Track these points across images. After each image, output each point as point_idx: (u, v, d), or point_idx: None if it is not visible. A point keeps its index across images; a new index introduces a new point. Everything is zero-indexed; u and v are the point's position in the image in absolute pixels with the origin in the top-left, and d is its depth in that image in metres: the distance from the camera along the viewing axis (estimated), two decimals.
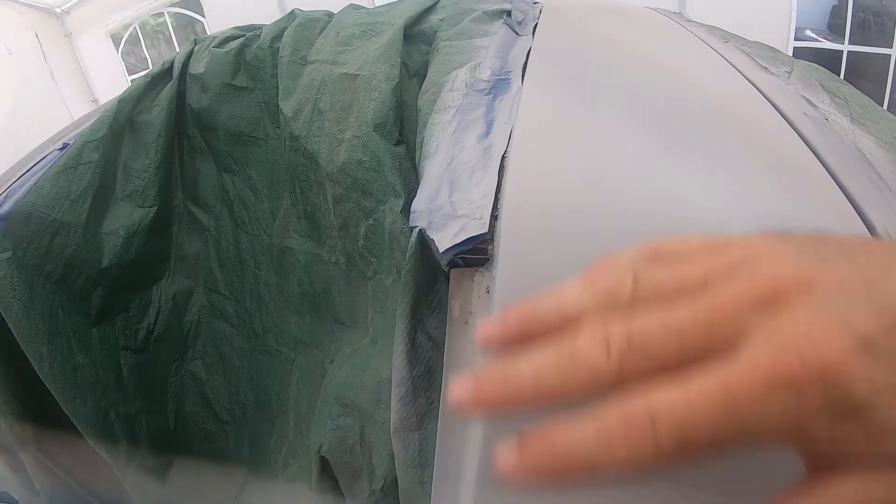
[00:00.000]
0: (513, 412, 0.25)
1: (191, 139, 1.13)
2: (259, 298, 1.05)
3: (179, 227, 1.14)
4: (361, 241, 0.74)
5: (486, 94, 0.59)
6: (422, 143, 0.57)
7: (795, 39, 4.41)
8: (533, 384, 0.24)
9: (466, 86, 0.62)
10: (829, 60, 4.54)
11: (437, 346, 0.44)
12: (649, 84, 0.63)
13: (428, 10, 1.01)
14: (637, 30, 0.91)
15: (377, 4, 1.56)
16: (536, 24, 0.87)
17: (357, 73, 0.82)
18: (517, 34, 0.83)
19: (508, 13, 0.92)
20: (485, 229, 0.40)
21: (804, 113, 0.62)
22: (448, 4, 1.04)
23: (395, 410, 0.46)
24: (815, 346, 0.21)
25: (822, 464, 0.22)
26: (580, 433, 0.23)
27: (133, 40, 6.21)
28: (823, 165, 0.50)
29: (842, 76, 4.54)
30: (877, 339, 0.21)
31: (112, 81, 6.26)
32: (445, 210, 0.42)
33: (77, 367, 0.92)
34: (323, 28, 1.02)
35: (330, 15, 1.10)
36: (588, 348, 0.24)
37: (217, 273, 1.10)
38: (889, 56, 4.57)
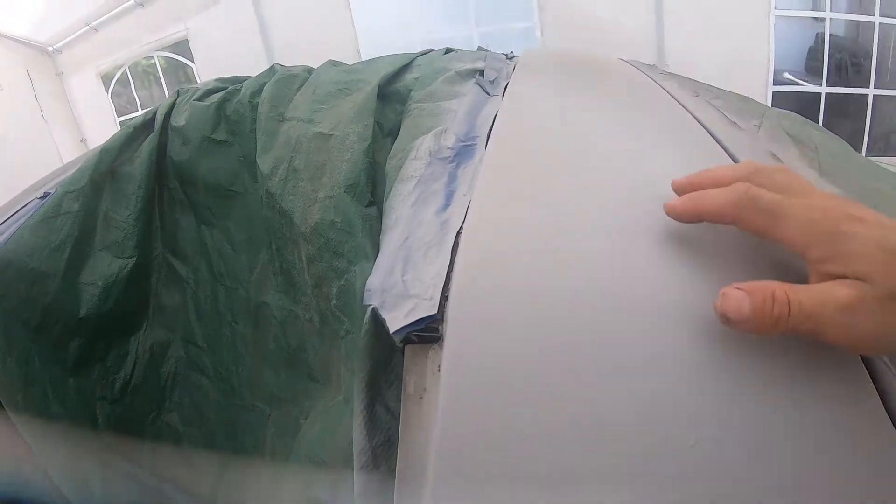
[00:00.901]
0: None
1: (171, 191, 1.14)
2: (236, 352, 1.05)
3: (158, 278, 1.14)
4: (334, 301, 0.74)
5: (450, 163, 0.60)
6: (387, 210, 0.58)
7: (774, 84, 4.52)
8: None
9: (430, 154, 0.63)
10: (807, 102, 4.65)
11: (396, 417, 0.44)
12: (613, 151, 0.64)
13: (404, 69, 1.03)
14: (608, 91, 0.92)
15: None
16: (507, 85, 0.89)
17: (331, 132, 0.83)
18: (488, 94, 0.85)
19: (482, 72, 0.94)
20: (434, 310, 0.40)
21: None
22: (423, 63, 1.05)
23: (357, 479, 0.46)
24: None
25: None
26: None
27: (123, 81, 6.27)
28: None
29: (820, 117, 4.65)
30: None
31: (101, 122, 6.31)
32: (398, 289, 0.43)
33: (53, 416, 0.91)
34: (301, 84, 1.04)
35: (309, 70, 1.12)
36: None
37: (195, 325, 1.10)
38: (867, 95, 4.68)
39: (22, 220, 1.00)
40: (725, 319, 0.35)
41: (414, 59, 1.08)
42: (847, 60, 4.85)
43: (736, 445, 0.34)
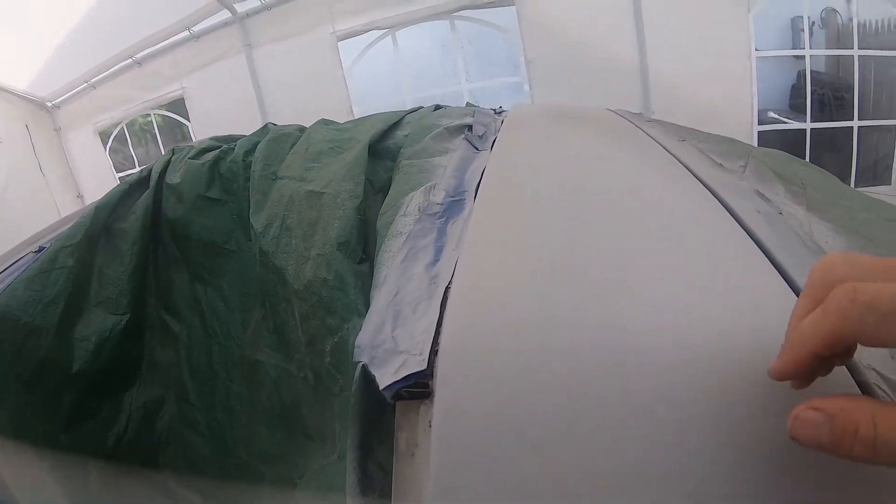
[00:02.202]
0: None
1: (165, 247, 1.15)
2: (230, 410, 1.04)
3: (152, 334, 1.14)
4: (328, 358, 0.74)
5: (439, 218, 0.61)
6: (377, 267, 0.59)
7: (759, 123, 4.59)
8: None
9: (419, 210, 0.64)
10: (793, 139, 4.73)
11: (389, 474, 0.44)
12: (601, 203, 0.64)
13: (394, 126, 1.05)
14: (595, 142, 0.94)
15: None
16: (496, 139, 0.91)
17: (323, 190, 0.85)
18: (477, 149, 0.87)
19: (470, 127, 0.96)
20: (424, 366, 0.40)
21: (756, 210, 0.63)
22: (413, 120, 1.08)
23: None
24: None
25: None
26: None
27: (120, 138, 6.34)
28: (774, 265, 0.51)
29: (807, 153, 4.71)
30: None
31: (98, 177, 6.35)
32: (388, 345, 0.43)
33: (45, 470, 0.90)
34: (294, 143, 1.06)
35: (301, 129, 1.14)
36: None
37: (188, 382, 1.09)
38: (852, 128, 4.77)
39: (16, 274, 1.00)
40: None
41: (404, 117, 1.11)
42: (829, 95, 4.95)
43: None
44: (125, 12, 5.17)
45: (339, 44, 4.99)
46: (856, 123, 4.72)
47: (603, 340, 0.41)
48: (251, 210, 0.96)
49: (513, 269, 0.50)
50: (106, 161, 6.42)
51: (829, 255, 0.34)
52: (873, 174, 4.89)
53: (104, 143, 6.41)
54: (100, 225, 1.10)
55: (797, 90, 4.97)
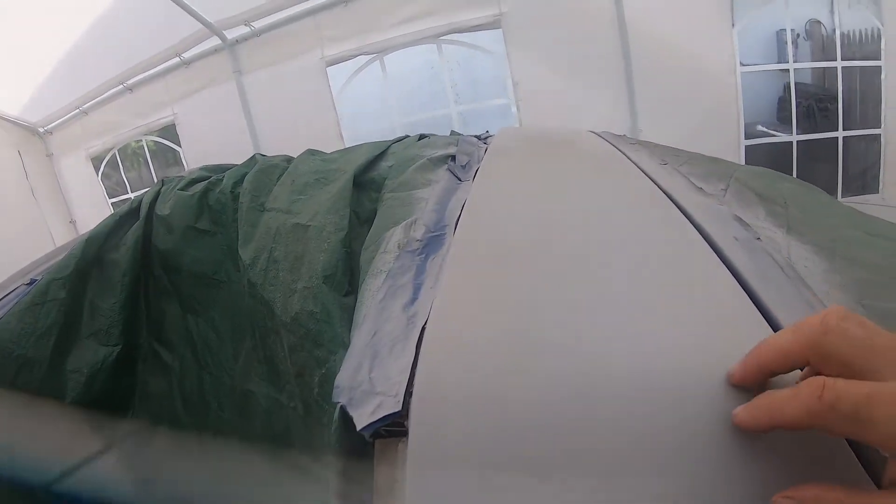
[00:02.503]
0: None
1: (156, 279, 1.16)
2: (222, 440, 1.04)
3: (144, 365, 1.15)
4: (316, 389, 0.75)
5: (419, 255, 0.62)
6: (358, 306, 0.60)
7: (746, 138, 4.64)
8: None
9: (399, 247, 0.65)
10: (781, 152, 4.77)
11: None
12: (578, 236, 0.65)
13: (379, 157, 1.07)
14: (575, 171, 0.95)
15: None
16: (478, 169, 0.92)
17: (309, 223, 0.86)
18: (459, 180, 0.88)
19: (453, 157, 0.98)
20: (398, 407, 0.41)
21: (735, 237, 0.64)
22: (397, 150, 1.09)
23: None
24: None
25: None
26: None
27: (113, 163, 6.36)
28: (750, 294, 0.52)
29: (794, 165, 4.76)
30: None
31: (91, 203, 6.37)
32: (365, 387, 0.44)
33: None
34: (281, 174, 1.07)
35: (288, 160, 1.16)
36: None
37: (181, 413, 1.10)
38: (837, 138, 4.82)
39: (8, 307, 1.01)
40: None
41: (389, 147, 1.12)
42: (815, 106, 5.02)
43: None
44: (117, 39, 5.21)
45: (328, 69, 5.04)
46: (841, 134, 4.78)
47: (576, 383, 0.42)
48: (239, 242, 0.97)
49: (487, 309, 0.51)
50: (98, 186, 6.43)
51: (832, 311, 0.36)
52: (862, 183, 4.94)
53: (96, 168, 6.43)
54: (91, 257, 1.11)
55: (784, 103, 5.03)
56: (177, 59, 5.38)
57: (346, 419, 0.44)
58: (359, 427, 0.42)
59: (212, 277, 1.08)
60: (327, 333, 0.73)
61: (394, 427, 0.43)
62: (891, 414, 0.31)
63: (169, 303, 1.15)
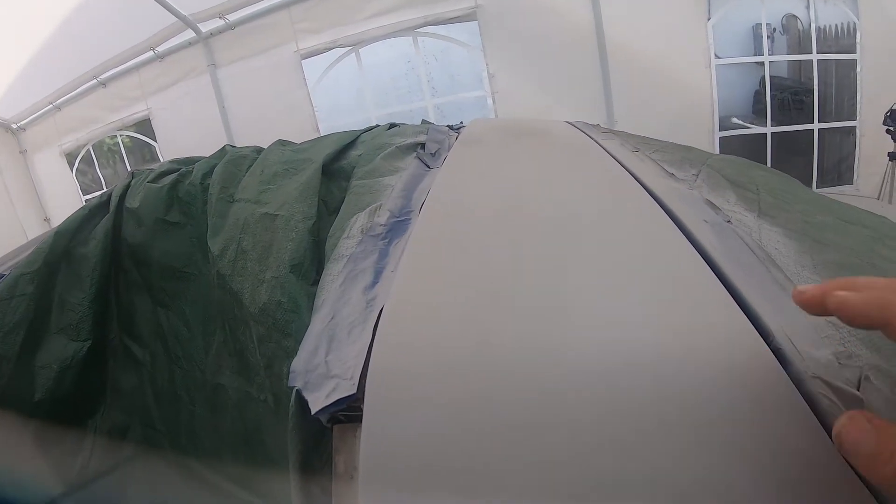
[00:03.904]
0: None
1: (126, 272, 1.14)
2: (194, 435, 1.03)
3: (115, 360, 1.13)
4: (286, 381, 0.75)
5: (382, 239, 0.62)
6: (318, 291, 0.59)
7: (721, 129, 4.69)
8: None
9: (362, 232, 0.64)
10: (756, 144, 4.84)
11: (331, 496, 0.45)
12: (544, 221, 0.64)
13: (348, 146, 1.06)
14: (546, 157, 0.95)
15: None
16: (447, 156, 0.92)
17: (277, 213, 0.85)
18: (428, 167, 0.88)
19: (423, 145, 0.97)
20: (353, 390, 0.41)
21: (704, 220, 0.64)
22: (367, 139, 1.09)
23: None
24: None
25: None
26: None
27: (87, 160, 6.27)
28: (719, 276, 0.52)
29: (769, 157, 4.82)
30: None
31: (65, 200, 6.28)
32: (321, 370, 0.44)
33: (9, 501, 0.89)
34: (250, 165, 1.06)
35: (258, 151, 1.15)
36: None
37: (152, 408, 1.08)
38: (812, 130, 4.90)
39: None
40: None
41: (359, 136, 1.11)
42: (790, 99, 5.10)
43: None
44: (89, 33, 5.13)
45: (303, 62, 5.02)
46: (816, 126, 4.85)
47: (534, 365, 0.42)
48: (209, 233, 0.96)
49: (446, 292, 0.51)
50: (73, 183, 6.35)
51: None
52: (837, 174, 5.02)
53: (70, 164, 6.34)
54: (60, 251, 1.09)
55: (760, 96, 5.08)
56: (150, 53, 5.32)
57: (303, 404, 0.43)
58: (314, 410, 0.41)
59: (182, 270, 1.07)
60: (295, 323, 0.72)
61: (352, 412, 0.42)
62: None
63: (139, 296, 1.14)
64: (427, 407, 0.39)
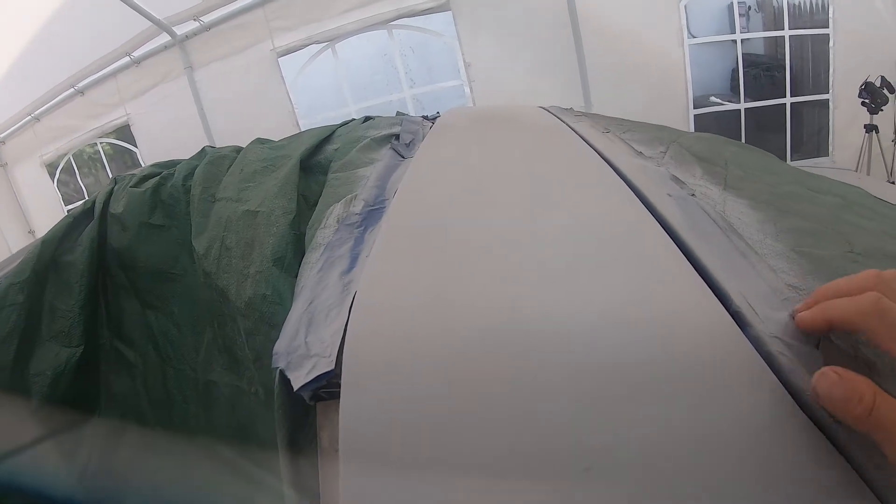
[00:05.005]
0: None
1: (114, 277, 1.15)
2: (189, 433, 1.05)
3: (107, 364, 1.15)
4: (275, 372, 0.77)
5: (357, 227, 0.64)
6: (298, 279, 0.61)
7: (695, 108, 4.74)
8: None
9: (338, 221, 0.66)
10: (731, 120, 4.91)
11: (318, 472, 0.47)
12: (511, 203, 0.67)
13: (325, 141, 1.07)
14: (515, 140, 0.97)
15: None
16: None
17: (258, 209, 0.87)
18: (402, 157, 0.90)
19: (397, 136, 1.00)
20: (332, 366, 0.43)
21: (668, 194, 0.66)
22: (343, 133, 1.10)
23: None
24: None
25: None
26: None
27: (68, 170, 6.23)
28: (680, 246, 0.54)
29: (742, 133, 4.88)
30: None
31: (48, 211, 6.24)
32: (301, 350, 0.46)
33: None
34: (230, 164, 1.07)
35: (238, 150, 1.16)
36: None
37: (146, 410, 1.10)
38: (785, 105, 4.97)
39: None
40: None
41: (335, 131, 1.13)
42: (762, 75, 5.18)
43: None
44: (65, 42, 5.10)
45: (280, 60, 5.02)
46: (788, 100, 4.92)
47: (496, 330, 0.44)
48: (193, 233, 0.98)
49: (417, 271, 0.53)
50: (55, 194, 6.31)
51: (880, 272, 0.40)
52: (816, 146, 5.08)
53: (52, 175, 6.30)
54: (47, 259, 1.10)
55: (737, 73, 5.14)
56: (127, 59, 5.28)
57: (288, 384, 0.45)
58: (296, 387, 0.44)
59: (168, 272, 1.09)
60: (281, 315, 0.74)
61: (332, 389, 0.44)
62: None
63: (128, 300, 1.15)
64: (402, 379, 0.41)
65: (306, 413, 0.47)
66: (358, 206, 0.69)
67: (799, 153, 5.04)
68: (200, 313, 1.04)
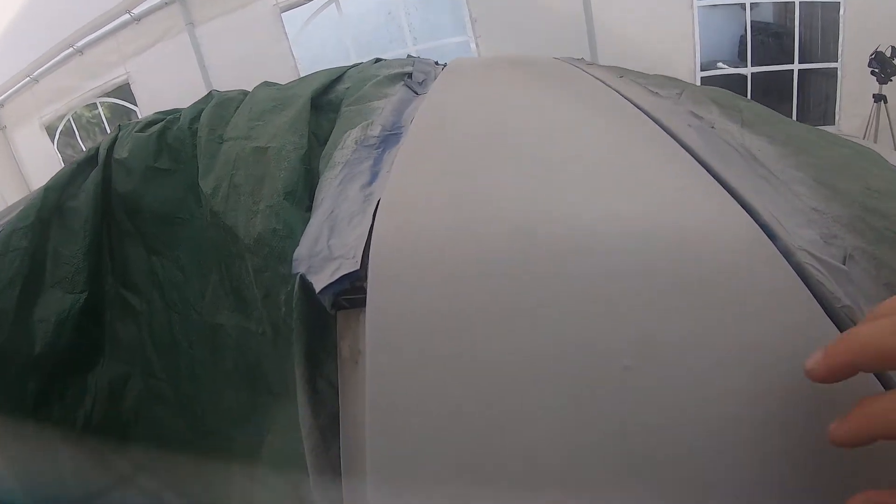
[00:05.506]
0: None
1: (119, 223, 1.14)
2: (195, 379, 1.04)
3: (112, 311, 1.13)
4: (283, 308, 0.75)
5: (376, 149, 0.62)
6: (316, 195, 0.60)
7: (702, 70, 4.72)
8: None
9: (356, 143, 0.65)
10: (736, 85, 4.89)
11: (338, 391, 0.45)
12: (537, 126, 0.66)
13: (335, 81, 1.05)
14: (532, 78, 0.96)
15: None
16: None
17: (268, 145, 0.85)
18: (416, 93, 0.88)
19: (410, 75, 0.97)
20: (357, 266, 0.42)
21: (688, 125, 0.66)
22: (353, 73, 1.08)
23: (310, 462, 0.47)
24: None
25: None
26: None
27: (68, 132, 6.19)
28: (704, 166, 0.54)
29: (748, 97, 4.87)
30: None
31: (49, 173, 6.20)
32: (324, 254, 0.45)
33: (12, 458, 0.90)
34: (238, 106, 1.05)
35: (245, 93, 1.14)
36: None
37: (152, 357, 1.09)
38: (792, 71, 4.95)
39: None
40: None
41: (345, 72, 1.11)
42: (770, 42, 5.15)
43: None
44: (62, 0, 5.02)
45: (283, 14, 4.96)
46: (796, 67, 4.90)
47: (521, 233, 0.43)
48: (200, 174, 0.96)
49: (440, 182, 0.52)
50: (55, 156, 6.28)
51: None
52: (822, 114, 5.07)
53: (51, 137, 6.26)
54: (51, 206, 1.08)
55: (745, 39, 5.11)
56: (127, 16, 5.21)
57: (307, 290, 0.44)
58: (318, 289, 0.42)
59: (174, 216, 1.07)
60: (291, 248, 0.72)
61: (355, 296, 0.43)
62: None
63: (133, 246, 1.13)
64: (430, 278, 0.40)
65: (325, 324, 0.45)
66: (376, 130, 0.68)
67: (805, 121, 5.02)
68: (206, 256, 1.03)
